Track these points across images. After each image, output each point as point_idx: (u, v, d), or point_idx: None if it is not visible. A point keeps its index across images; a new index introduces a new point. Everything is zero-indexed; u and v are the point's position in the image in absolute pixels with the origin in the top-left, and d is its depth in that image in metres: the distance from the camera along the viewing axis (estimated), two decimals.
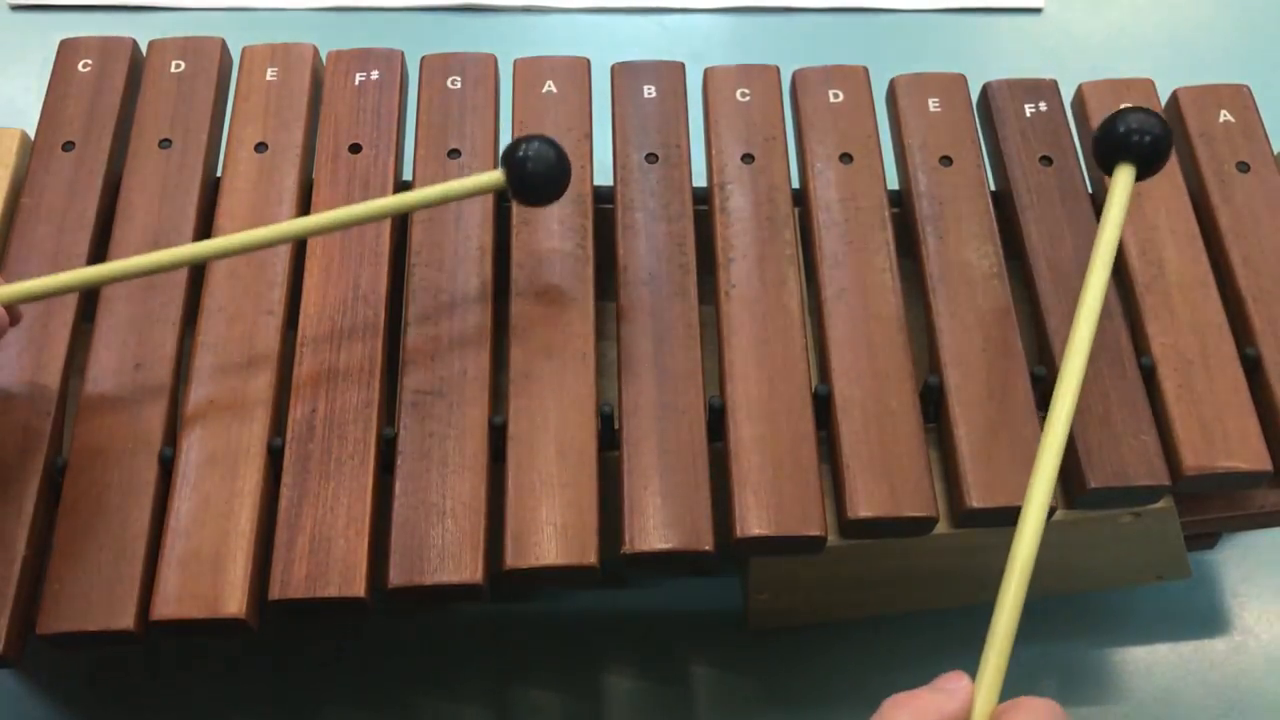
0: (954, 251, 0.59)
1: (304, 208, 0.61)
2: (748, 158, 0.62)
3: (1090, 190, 0.62)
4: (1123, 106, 0.52)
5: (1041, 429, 0.54)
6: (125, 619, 0.50)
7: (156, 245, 0.59)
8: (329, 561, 0.51)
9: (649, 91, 0.65)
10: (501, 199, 0.61)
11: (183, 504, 0.52)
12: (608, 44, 0.95)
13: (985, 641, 0.42)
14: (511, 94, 0.64)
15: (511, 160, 0.53)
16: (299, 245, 0.59)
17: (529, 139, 0.54)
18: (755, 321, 0.57)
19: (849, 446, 0.54)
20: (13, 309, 0.53)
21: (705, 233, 0.60)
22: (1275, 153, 0.63)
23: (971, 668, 0.43)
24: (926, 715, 0.40)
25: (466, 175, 0.61)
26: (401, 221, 0.61)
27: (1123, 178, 0.52)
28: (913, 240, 0.61)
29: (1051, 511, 0.53)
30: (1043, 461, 0.45)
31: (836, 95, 0.65)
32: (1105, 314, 0.57)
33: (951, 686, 0.41)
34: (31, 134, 0.63)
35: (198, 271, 0.59)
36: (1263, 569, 0.72)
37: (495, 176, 0.54)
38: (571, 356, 0.56)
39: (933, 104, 0.65)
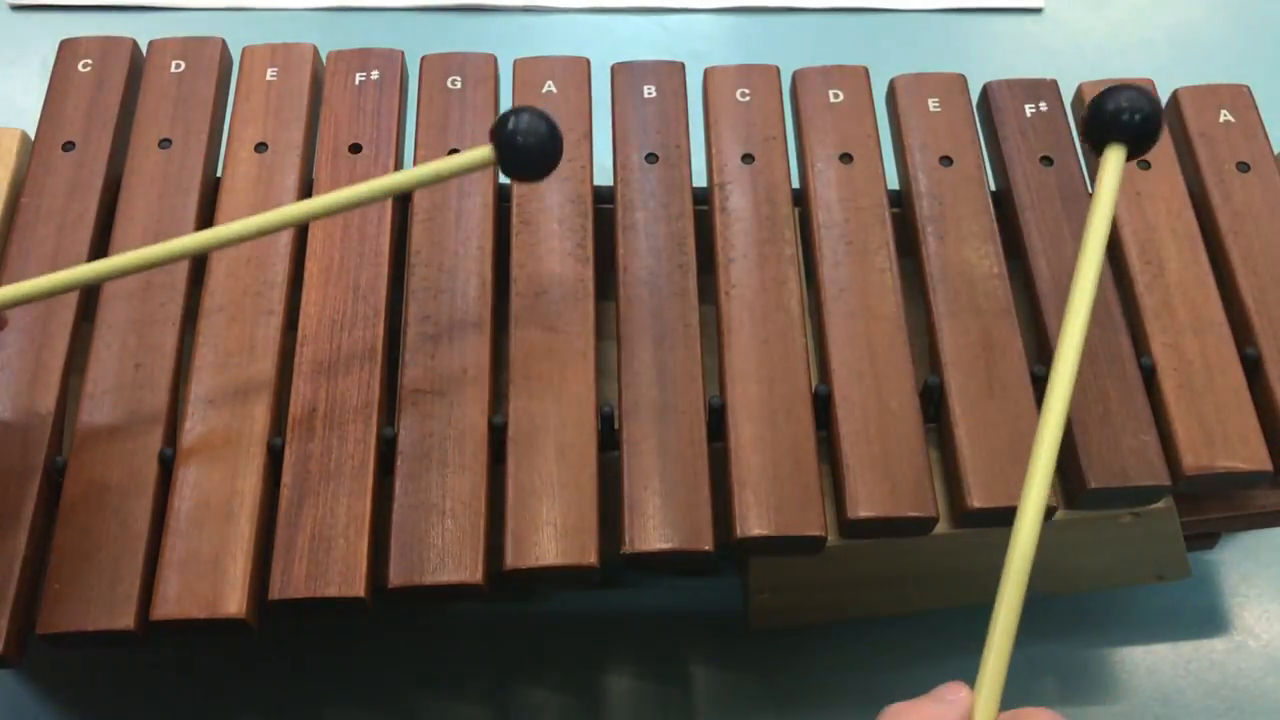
0: (954, 251, 0.59)
1: None
2: (748, 158, 0.62)
3: (1090, 190, 0.62)
4: (1112, 85, 0.51)
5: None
6: (125, 619, 0.50)
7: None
8: (329, 561, 0.51)
9: (649, 91, 0.65)
10: (502, 200, 0.61)
11: (183, 504, 0.52)
12: (608, 44, 0.95)
13: (983, 651, 0.42)
14: (511, 94, 0.64)
15: (500, 134, 0.51)
16: (299, 245, 0.59)
17: (518, 112, 0.51)
18: (755, 321, 0.57)
19: (849, 446, 0.54)
20: None
21: (705, 233, 0.60)
22: (1275, 153, 0.63)
23: (972, 669, 0.43)
24: None
25: (467, 176, 0.61)
26: (401, 221, 0.61)
27: (1113, 158, 0.49)
28: (913, 240, 0.61)
29: (1052, 511, 0.53)
30: (1037, 464, 0.44)
31: (836, 95, 0.65)
32: (1105, 314, 0.57)
33: (951, 697, 0.41)
34: (31, 134, 0.63)
35: (197, 271, 0.59)
36: (1263, 569, 0.72)
37: (484, 153, 0.51)
38: (571, 356, 0.56)
39: (933, 104, 0.65)
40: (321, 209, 0.53)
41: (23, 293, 0.51)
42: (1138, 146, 0.50)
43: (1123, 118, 0.49)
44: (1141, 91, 0.49)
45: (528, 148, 0.50)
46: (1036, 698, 0.67)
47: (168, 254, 0.52)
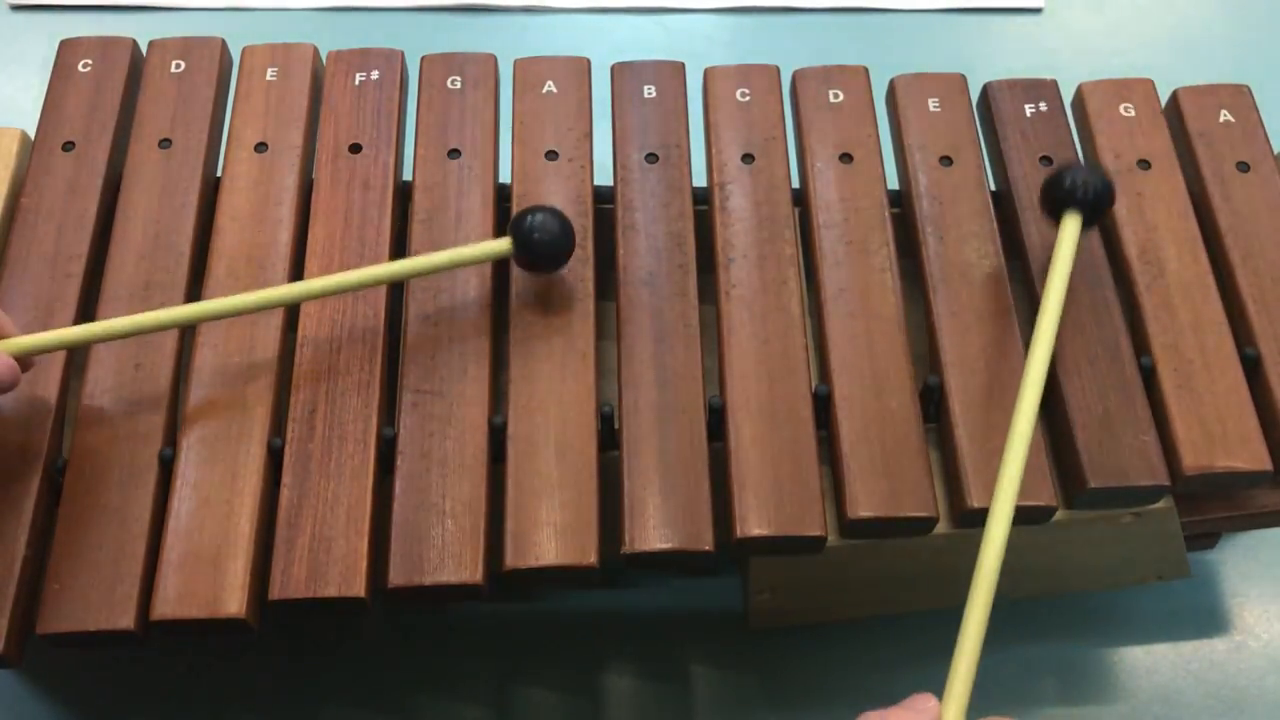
0: (954, 251, 0.59)
1: (304, 208, 0.61)
2: (748, 158, 0.62)
3: None
4: (1068, 164, 0.57)
5: (1044, 429, 0.54)
6: (125, 619, 0.50)
7: (156, 245, 0.59)
8: (329, 561, 0.51)
9: (649, 91, 0.65)
10: (502, 200, 0.61)
11: (183, 504, 0.52)
12: (608, 44, 0.95)
13: (952, 661, 0.44)
14: (511, 94, 0.64)
15: (518, 230, 0.55)
16: (299, 245, 0.59)
17: (535, 209, 0.56)
18: (755, 321, 0.57)
19: (849, 446, 0.54)
20: (24, 359, 0.52)
21: (705, 233, 0.60)
22: (1275, 153, 0.63)
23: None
24: None
25: (466, 176, 0.61)
26: (401, 222, 0.61)
27: (1070, 224, 0.55)
28: (913, 240, 0.61)
29: (1051, 511, 0.53)
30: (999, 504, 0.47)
31: (836, 95, 0.65)
32: (1105, 314, 0.57)
33: (921, 706, 0.43)
34: (31, 134, 0.63)
35: (198, 272, 0.59)
36: (1263, 569, 0.72)
37: (503, 245, 0.56)
38: (571, 356, 0.56)
39: (933, 104, 0.65)
40: (326, 289, 0.55)
41: (40, 343, 0.53)
42: (1093, 215, 0.56)
43: (1077, 193, 0.55)
44: (1093, 168, 0.57)
45: (543, 243, 0.55)
46: (1036, 698, 0.67)
47: (157, 323, 0.53)
